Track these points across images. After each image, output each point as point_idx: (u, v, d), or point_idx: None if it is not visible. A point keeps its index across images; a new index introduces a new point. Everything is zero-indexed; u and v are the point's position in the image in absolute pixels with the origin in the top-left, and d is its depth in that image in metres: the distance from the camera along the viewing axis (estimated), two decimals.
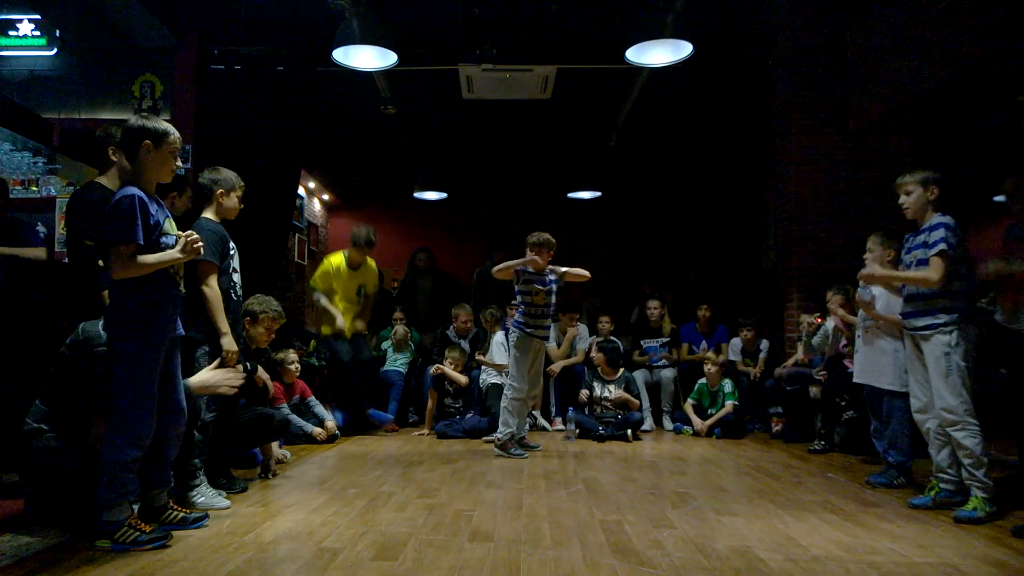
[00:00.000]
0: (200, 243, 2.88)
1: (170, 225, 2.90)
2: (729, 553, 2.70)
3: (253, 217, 6.15)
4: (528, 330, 5.16)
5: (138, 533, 2.68)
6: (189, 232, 2.90)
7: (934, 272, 3.36)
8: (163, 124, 2.85)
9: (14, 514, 3.15)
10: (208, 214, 3.68)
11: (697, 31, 5.02)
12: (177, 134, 2.89)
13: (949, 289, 3.38)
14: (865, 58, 6.08)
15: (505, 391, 5.21)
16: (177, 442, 3.01)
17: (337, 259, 6.27)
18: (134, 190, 2.73)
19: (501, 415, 5.15)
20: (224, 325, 3.47)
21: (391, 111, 7.47)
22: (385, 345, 7.09)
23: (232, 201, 3.71)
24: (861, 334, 4.37)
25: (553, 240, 5.23)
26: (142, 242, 2.70)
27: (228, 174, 3.72)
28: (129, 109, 6.93)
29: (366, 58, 5.28)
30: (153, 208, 2.79)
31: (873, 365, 4.25)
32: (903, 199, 3.64)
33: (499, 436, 5.09)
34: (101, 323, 2.90)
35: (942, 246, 3.36)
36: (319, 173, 9.46)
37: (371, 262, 6.44)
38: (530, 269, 5.18)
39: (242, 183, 3.77)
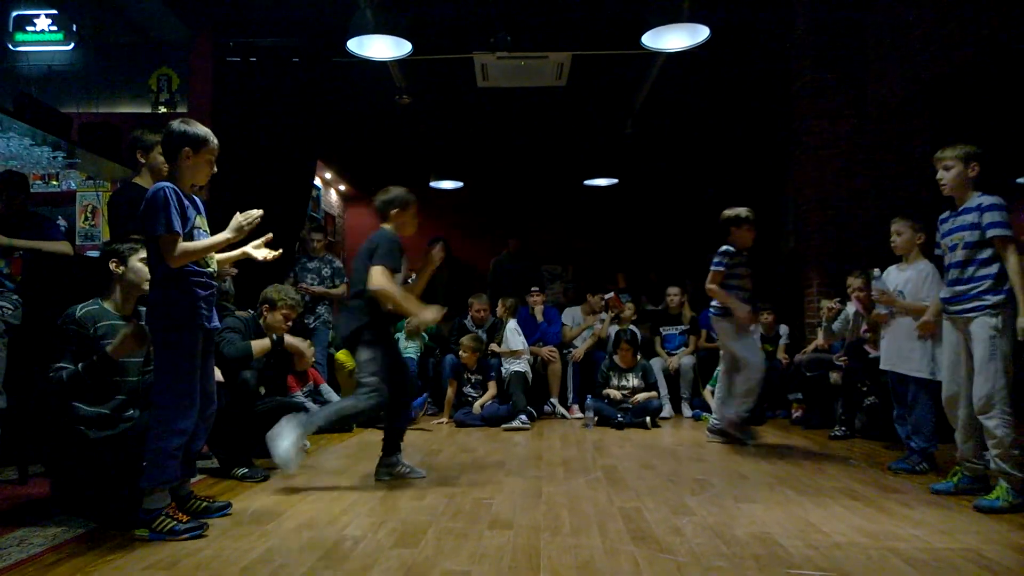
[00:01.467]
0: (247, 222, 2.93)
1: (201, 221, 2.94)
2: (749, 540, 2.69)
3: (268, 208, 6.18)
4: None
5: (175, 522, 2.72)
6: (248, 213, 2.98)
7: (1012, 256, 3.17)
8: (203, 131, 2.91)
9: (33, 502, 3.21)
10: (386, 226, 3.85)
11: (714, 15, 4.96)
12: (216, 141, 2.96)
13: (997, 269, 3.23)
14: (884, 40, 5.99)
15: (739, 381, 4.93)
16: (205, 433, 3.05)
17: (344, 355, 6.29)
18: (166, 184, 2.80)
19: (740, 402, 4.89)
20: (414, 306, 3.69)
21: (406, 100, 7.46)
22: (399, 335, 7.11)
23: (406, 219, 3.87)
24: (888, 321, 4.31)
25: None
26: (180, 231, 2.75)
27: (400, 194, 3.86)
28: (146, 102, 7.00)
29: (380, 48, 5.27)
30: (185, 202, 2.84)
31: (899, 352, 4.18)
32: (941, 174, 3.45)
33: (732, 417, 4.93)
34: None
35: (1005, 231, 3.19)
36: (335, 164, 9.49)
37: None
38: (736, 251, 4.93)
39: (410, 201, 3.88)
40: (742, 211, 4.97)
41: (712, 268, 4.88)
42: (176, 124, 2.91)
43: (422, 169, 9.35)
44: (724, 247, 4.94)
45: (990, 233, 3.22)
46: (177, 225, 2.73)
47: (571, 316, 7.18)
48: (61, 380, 2.97)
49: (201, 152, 2.89)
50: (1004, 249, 3.21)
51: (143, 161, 3.81)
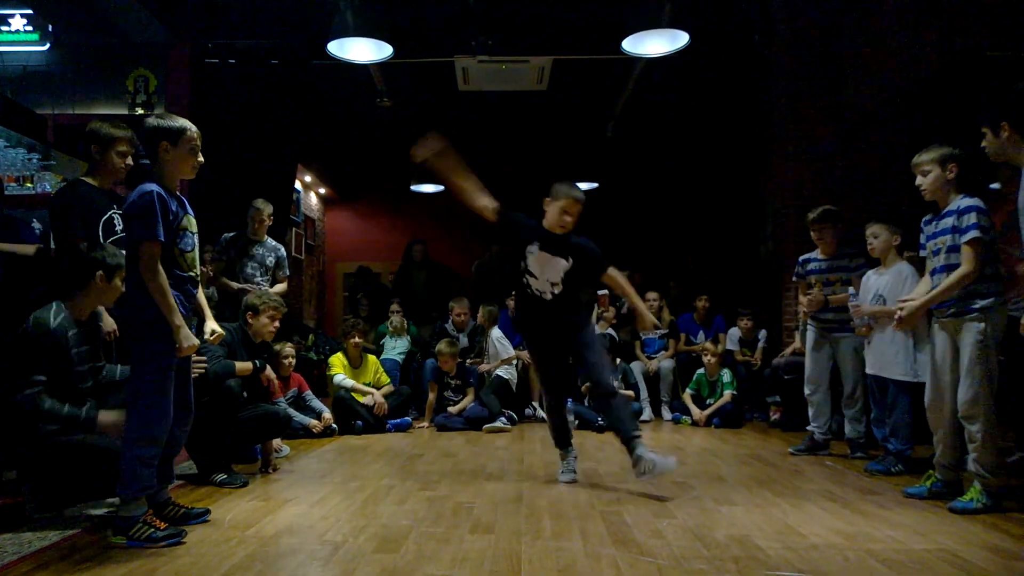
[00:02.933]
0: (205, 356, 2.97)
1: (188, 222, 2.87)
2: (728, 542, 2.71)
3: (249, 212, 6.13)
4: (810, 324, 4.71)
5: (153, 530, 2.68)
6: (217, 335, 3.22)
7: (968, 264, 3.17)
8: (179, 122, 2.82)
9: (5, 509, 3.16)
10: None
11: (693, 20, 5.01)
12: (194, 129, 2.85)
13: (983, 273, 3.20)
14: (861, 47, 6.07)
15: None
16: (183, 440, 3.02)
17: (338, 360, 6.11)
18: (153, 186, 2.72)
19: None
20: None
21: (387, 104, 7.45)
22: (384, 341, 7.10)
23: (551, 210, 3.88)
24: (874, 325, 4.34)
25: (834, 210, 4.62)
26: (163, 239, 2.68)
27: (556, 185, 3.90)
28: (123, 104, 6.91)
29: (361, 50, 5.27)
30: (173, 205, 2.77)
31: (882, 357, 4.20)
32: (920, 180, 3.41)
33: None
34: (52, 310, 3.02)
35: (975, 233, 3.14)
36: (315, 167, 9.45)
37: (370, 357, 6.31)
38: (814, 256, 4.72)
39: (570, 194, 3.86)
40: (814, 211, 4.68)
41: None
42: (151, 119, 2.83)
43: (403, 172, 9.33)
44: (802, 256, 4.84)
45: (965, 238, 3.18)
46: (160, 233, 2.66)
47: None
48: (37, 407, 2.91)
49: (180, 143, 2.79)
50: (968, 252, 3.18)
51: (98, 157, 3.51)
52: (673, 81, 7.47)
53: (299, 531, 2.89)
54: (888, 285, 4.19)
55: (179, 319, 2.70)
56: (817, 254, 4.71)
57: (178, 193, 2.88)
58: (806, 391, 4.79)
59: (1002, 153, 3.11)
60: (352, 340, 6.09)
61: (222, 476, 3.75)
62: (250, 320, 4.14)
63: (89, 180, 3.56)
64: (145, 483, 2.72)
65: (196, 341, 2.76)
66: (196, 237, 2.91)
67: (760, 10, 6.60)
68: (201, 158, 2.89)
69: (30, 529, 2.88)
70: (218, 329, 3.28)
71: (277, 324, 4.23)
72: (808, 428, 4.79)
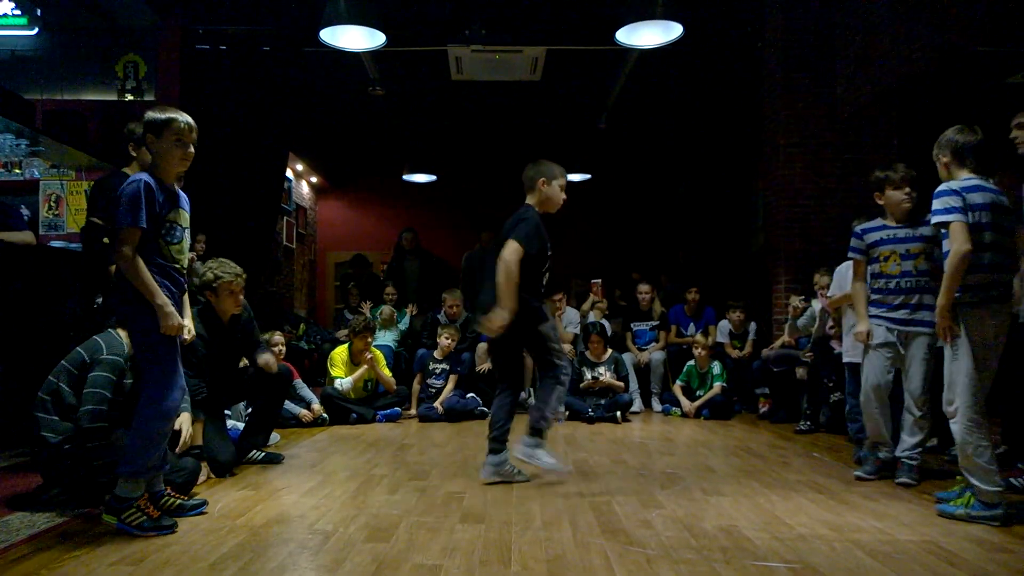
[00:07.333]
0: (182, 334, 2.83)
1: (177, 215, 2.84)
2: (716, 532, 2.73)
3: (241, 200, 6.12)
4: (872, 310, 3.65)
5: (144, 517, 2.68)
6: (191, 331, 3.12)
7: None
8: (168, 114, 2.79)
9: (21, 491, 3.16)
10: (530, 201, 3.91)
11: (687, 12, 5.00)
12: (184, 120, 2.79)
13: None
14: (854, 41, 6.08)
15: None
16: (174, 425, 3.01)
17: (339, 358, 6.02)
18: (143, 176, 2.73)
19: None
20: (508, 302, 3.44)
21: (379, 93, 7.41)
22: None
23: (553, 191, 3.92)
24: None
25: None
26: (145, 226, 2.67)
27: (549, 165, 3.92)
28: (113, 90, 6.86)
29: (354, 38, 5.23)
30: (161, 196, 2.75)
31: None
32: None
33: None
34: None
35: None
36: (307, 155, 9.40)
37: (373, 350, 6.17)
38: (881, 224, 3.64)
39: (562, 174, 3.92)
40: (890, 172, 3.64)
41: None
42: (147, 113, 2.83)
43: (396, 162, 9.31)
44: (860, 225, 3.77)
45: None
46: (142, 220, 2.65)
47: None
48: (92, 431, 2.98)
49: (164, 135, 2.76)
50: None
51: (134, 154, 3.69)
52: (666, 73, 7.46)
53: (290, 520, 2.90)
54: None
55: (162, 298, 2.68)
56: (886, 221, 3.65)
57: (175, 187, 2.87)
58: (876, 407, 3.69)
59: None
60: (365, 339, 5.94)
61: (260, 454, 3.95)
62: (211, 300, 3.86)
63: (127, 172, 3.68)
64: (149, 462, 2.71)
65: (179, 320, 2.73)
66: (187, 232, 2.90)
67: (754, 3, 6.60)
68: (191, 150, 2.84)
69: (19, 517, 2.87)
70: (194, 330, 3.26)
71: (236, 298, 3.86)
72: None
